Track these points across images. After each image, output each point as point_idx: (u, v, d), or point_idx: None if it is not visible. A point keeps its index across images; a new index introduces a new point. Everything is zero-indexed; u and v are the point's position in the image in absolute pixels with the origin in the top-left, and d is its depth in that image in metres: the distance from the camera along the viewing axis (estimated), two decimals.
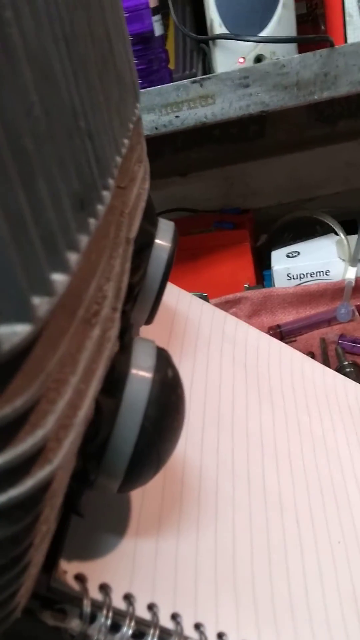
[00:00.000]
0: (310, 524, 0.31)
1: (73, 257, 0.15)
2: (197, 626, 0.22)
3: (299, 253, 0.78)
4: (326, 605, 0.27)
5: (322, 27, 0.69)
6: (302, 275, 0.76)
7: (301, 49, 0.59)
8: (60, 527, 0.22)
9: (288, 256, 0.78)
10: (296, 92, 0.58)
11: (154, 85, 0.59)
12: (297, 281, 0.76)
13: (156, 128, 0.61)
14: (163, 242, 0.31)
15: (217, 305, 0.68)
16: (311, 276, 0.76)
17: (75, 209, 0.16)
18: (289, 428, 0.36)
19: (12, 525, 0.15)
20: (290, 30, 0.58)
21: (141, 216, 0.28)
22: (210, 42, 0.60)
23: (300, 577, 0.27)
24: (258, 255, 0.86)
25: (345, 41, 0.58)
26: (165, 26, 0.71)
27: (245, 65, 0.58)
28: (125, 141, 0.24)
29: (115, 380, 0.21)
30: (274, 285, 0.78)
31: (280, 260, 0.78)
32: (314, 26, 0.71)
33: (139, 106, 0.29)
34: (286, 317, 0.75)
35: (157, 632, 0.21)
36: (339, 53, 0.55)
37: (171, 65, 0.71)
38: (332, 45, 0.55)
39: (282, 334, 0.71)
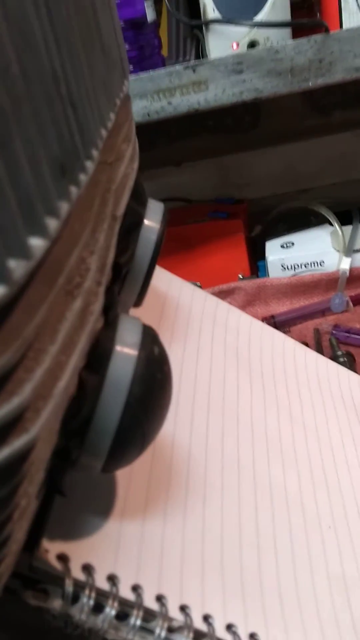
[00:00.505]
0: (301, 509, 0.30)
1: (53, 223, 0.15)
2: (183, 608, 0.22)
3: (293, 244, 0.78)
4: (315, 589, 0.27)
5: (318, 15, 0.69)
6: (296, 266, 0.76)
7: (295, 35, 0.58)
8: (43, 507, 0.22)
9: (282, 247, 0.78)
10: (290, 79, 0.57)
11: (147, 71, 0.59)
12: (292, 272, 0.76)
13: (148, 114, 0.60)
14: (152, 223, 0.30)
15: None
16: (305, 267, 0.75)
17: (55, 175, 0.15)
18: (280, 413, 0.36)
19: None
20: (285, 16, 0.57)
21: (129, 195, 0.28)
22: (203, 27, 0.59)
23: (289, 561, 0.27)
24: (252, 245, 0.86)
25: (341, 27, 0.58)
26: (158, 12, 0.70)
27: (238, 51, 0.58)
28: (112, 115, 0.24)
29: (99, 357, 0.20)
30: (268, 276, 0.77)
31: (275, 251, 0.78)
32: (310, 13, 0.70)
33: (127, 83, 0.29)
34: (280, 307, 0.74)
35: (141, 613, 0.21)
36: (334, 39, 0.55)
37: (164, 52, 0.70)
38: (327, 30, 0.55)
39: (276, 324, 0.71)
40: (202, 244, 0.82)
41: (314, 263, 0.75)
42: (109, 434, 0.20)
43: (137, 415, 0.20)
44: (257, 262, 0.84)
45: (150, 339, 0.22)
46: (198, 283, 0.70)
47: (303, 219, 0.83)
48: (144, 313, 0.36)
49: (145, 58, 0.63)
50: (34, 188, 0.14)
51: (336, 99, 0.85)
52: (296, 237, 0.79)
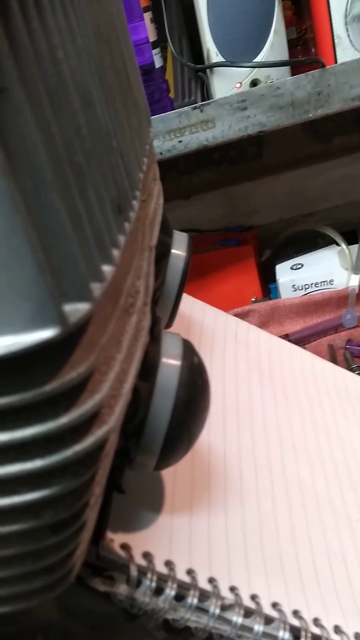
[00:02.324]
0: (330, 505, 0.33)
1: (115, 253, 0.18)
2: (232, 588, 0.25)
3: (302, 265, 0.81)
4: (349, 574, 0.29)
5: (313, 50, 0.73)
6: (306, 286, 0.79)
7: (294, 72, 0.62)
8: (105, 503, 0.25)
9: (292, 268, 0.81)
10: (292, 112, 0.61)
11: (157, 114, 0.63)
12: (302, 292, 0.79)
13: (161, 153, 0.64)
14: (179, 251, 0.34)
15: None
16: (316, 286, 0.78)
17: (114, 213, 0.19)
18: (304, 420, 0.39)
19: (75, 479, 0.18)
20: (283, 55, 0.61)
21: (159, 227, 0.31)
22: (207, 70, 0.64)
23: (323, 549, 0.30)
24: (263, 269, 0.89)
25: (336, 61, 0.62)
26: (164, 58, 0.75)
27: (242, 90, 0.62)
28: (145, 160, 0.27)
29: (149, 367, 0.23)
30: (280, 297, 0.81)
31: (285, 273, 0.81)
32: (305, 49, 0.75)
33: (152, 130, 0.32)
34: (294, 326, 0.77)
35: (197, 593, 0.24)
36: (330, 73, 0.59)
37: (171, 94, 0.75)
38: (323, 65, 0.59)
39: (291, 343, 0.74)
40: (215, 271, 0.85)
41: (323, 282, 0.78)
42: (160, 434, 0.23)
43: (183, 416, 0.23)
44: (268, 285, 0.87)
45: (190, 351, 0.25)
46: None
47: (310, 242, 0.87)
48: None
49: (155, 102, 0.67)
50: (102, 224, 0.17)
51: (335, 126, 0.90)
52: (305, 259, 0.82)
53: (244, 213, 0.98)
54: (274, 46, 0.61)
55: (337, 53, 0.63)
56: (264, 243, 0.93)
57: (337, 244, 0.82)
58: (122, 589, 0.23)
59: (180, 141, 0.63)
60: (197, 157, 0.94)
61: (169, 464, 0.25)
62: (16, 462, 0.17)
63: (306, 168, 0.94)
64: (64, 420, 0.16)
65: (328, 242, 0.84)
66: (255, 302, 0.83)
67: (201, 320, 0.43)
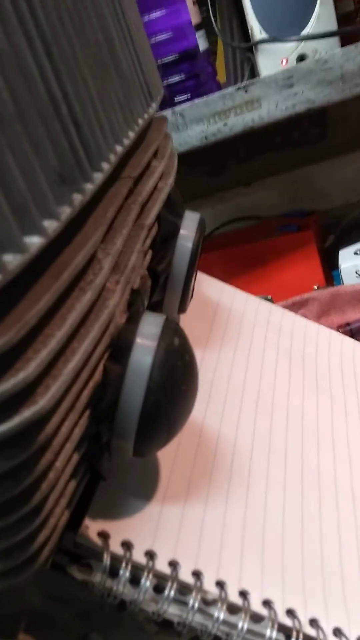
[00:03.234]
0: (352, 500, 0.31)
1: (51, 224, 0.17)
2: (219, 583, 0.23)
3: None
4: None
5: None
6: None
7: (344, 43, 0.59)
8: (88, 490, 0.24)
9: (356, 253, 0.77)
10: (341, 86, 0.58)
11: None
12: None
13: (206, 137, 0.63)
14: (188, 232, 0.32)
15: (283, 307, 0.69)
16: None
17: (56, 182, 0.18)
18: (334, 410, 0.36)
19: (7, 460, 0.17)
20: (331, 26, 0.58)
21: (160, 207, 0.30)
22: (253, 48, 0.61)
23: (335, 548, 0.27)
24: (327, 256, 0.86)
25: None
26: (214, 41, 0.73)
27: (288, 66, 0.59)
28: (130, 133, 0.26)
29: (121, 348, 0.22)
30: (342, 284, 0.77)
31: (349, 258, 0.77)
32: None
33: (154, 106, 0.31)
34: (356, 314, 0.73)
35: (176, 586, 0.22)
36: None
37: (221, 79, 0.73)
38: None
39: (352, 331, 0.70)
40: (275, 259, 0.83)
41: None
42: (133, 417, 0.22)
43: (158, 399, 0.22)
44: (332, 272, 0.83)
45: (170, 332, 0.24)
46: (269, 296, 0.70)
47: None
48: (195, 321, 0.38)
49: (202, 85, 0.66)
50: (27, 194, 0.16)
51: None
52: None
53: (308, 198, 0.94)
54: (321, 18, 0.57)
55: None
56: (328, 228, 0.89)
57: None
58: (98, 577, 0.23)
59: (225, 124, 0.62)
60: (258, 142, 0.91)
61: (148, 450, 0.24)
62: None
63: None
64: None
65: None
66: (317, 289, 0.79)
67: (230, 305, 0.41)
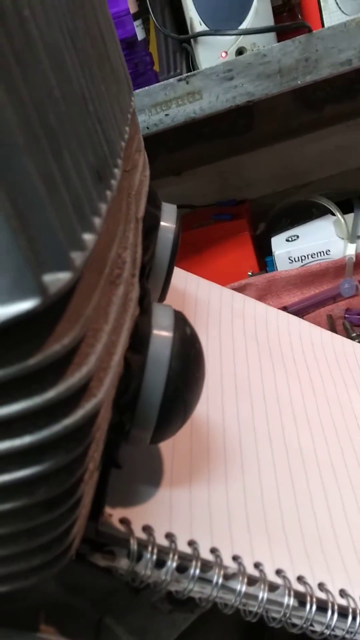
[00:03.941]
0: (332, 472, 0.33)
1: (97, 221, 0.18)
2: (235, 558, 0.25)
3: (298, 236, 0.80)
4: (353, 539, 0.29)
5: (299, 16, 0.72)
6: (303, 257, 0.78)
7: (280, 38, 0.61)
8: (102, 478, 0.25)
9: (288, 240, 0.81)
10: (279, 79, 0.60)
11: (142, 87, 0.62)
12: (299, 263, 0.78)
13: (147, 128, 0.63)
14: (168, 224, 0.33)
15: None
16: (312, 257, 0.78)
17: (94, 180, 0.18)
18: (304, 389, 0.38)
19: (67, 454, 0.17)
20: (268, 21, 0.60)
21: (145, 199, 0.31)
22: (192, 40, 0.62)
23: (326, 515, 0.29)
24: (258, 243, 0.89)
25: (323, 26, 0.60)
26: (147, 30, 0.73)
27: (227, 59, 0.61)
28: (127, 129, 0.26)
29: (140, 339, 0.23)
30: (276, 270, 0.80)
31: (281, 245, 0.80)
32: (291, 15, 0.73)
33: (133, 99, 0.32)
34: (292, 298, 0.77)
35: (199, 564, 0.24)
36: (317, 37, 0.58)
37: (156, 68, 0.74)
38: (309, 30, 0.58)
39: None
40: (210, 247, 0.85)
41: (320, 253, 0.77)
42: (155, 406, 0.23)
43: (177, 388, 0.23)
44: (264, 258, 0.86)
45: (182, 321, 0.24)
46: None
47: (305, 213, 0.86)
48: None
49: (140, 75, 0.66)
50: (81, 191, 0.17)
51: (326, 94, 0.88)
52: (300, 230, 0.81)
53: (237, 187, 0.97)
54: (259, 12, 0.59)
55: (324, 17, 0.61)
56: (258, 216, 0.92)
57: (332, 214, 0.81)
58: (122, 563, 0.23)
59: (167, 114, 0.62)
60: (187, 132, 0.92)
61: (165, 437, 0.24)
62: (4, 440, 0.16)
63: (298, 138, 0.92)
64: (50, 394, 0.16)
65: (322, 212, 0.83)
66: (252, 275, 0.82)
67: (195, 293, 0.42)
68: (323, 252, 0.77)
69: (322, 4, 0.61)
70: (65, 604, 0.26)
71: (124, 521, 0.24)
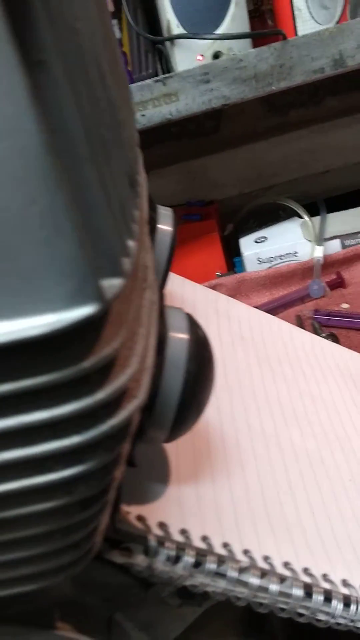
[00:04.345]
0: (322, 466, 0.34)
1: (135, 227, 0.18)
2: (245, 552, 0.26)
3: (266, 238, 0.82)
4: (348, 531, 0.30)
5: (270, 22, 0.73)
6: (271, 259, 0.80)
7: (255, 44, 0.62)
8: None
9: (256, 242, 0.82)
10: (255, 84, 0.62)
11: None
12: (268, 264, 0.80)
13: None
14: (165, 227, 0.34)
15: None
16: (280, 258, 0.80)
17: (130, 187, 0.19)
18: (290, 387, 0.40)
19: (108, 454, 0.18)
20: (244, 26, 0.61)
21: (147, 202, 0.31)
22: (167, 42, 0.63)
23: (321, 508, 0.31)
24: (226, 244, 0.90)
25: (296, 34, 0.62)
26: (120, 29, 0.74)
27: (204, 62, 0.61)
28: (136, 134, 0.27)
29: (157, 342, 0.24)
30: (245, 271, 0.82)
31: (250, 246, 0.82)
32: (261, 21, 0.75)
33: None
34: (261, 299, 0.78)
35: (215, 559, 0.24)
36: (292, 45, 0.59)
37: (128, 67, 0.74)
38: (284, 38, 0.59)
39: None
40: (179, 246, 0.85)
41: (288, 254, 0.79)
42: (172, 408, 0.23)
43: (193, 389, 0.24)
44: (232, 259, 0.88)
45: (195, 324, 0.25)
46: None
47: (272, 215, 0.88)
48: None
49: None
50: (124, 199, 0.17)
51: (292, 99, 0.90)
52: (268, 232, 0.83)
53: (204, 187, 0.98)
54: (235, 18, 0.60)
55: (297, 25, 0.63)
56: (224, 217, 0.93)
57: (299, 217, 0.83)
58: (139, 559, 0.24)
59: (143, 115, 0.63)
60: (155, 132, 0.92)
61: (179, 436, 0.25)
62: (52, 440, 0.17)
63: (264, 141, 0.94)
64: (100, 395, 0.16)
65: (289, 214, 0.85)
66: (220, 276, 0.83)
67: (181, 294, 0.43)
68: (291, 253, 0.79)
69: (295, 12, 0.62)
70: (78, 601, 0.26)
71: (141, 518, 0.24)
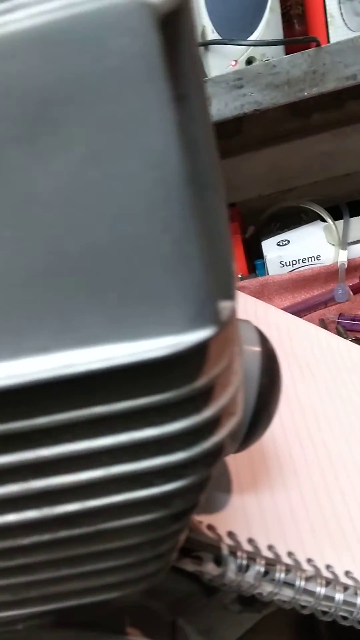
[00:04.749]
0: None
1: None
2: (309, 561, 0.26)
3: (289, 241, 0.82)
4: None
5: (297, 27, 0.74)
6: (294, 262, 0.80)
7: (287, 50, 0.63)
8: None
9: (279, 245, 0.83)
10: (287, 90, 0.62)
11: None
12: (290, 267, 0.81)
13: None
14: None
15: None
16: (303, 262, 0.80)
17: None
18: (332, 396, 0.40)
19: (207, 469, 0.18)
20: (278, 32, 0.62)
21: None
22: (202, 47, 0.63)
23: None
24: (247, 246, 0.90)
25: (328, 40, 0.62)
26: None
27: (238, 68, 0.62)
28: None
29: None
30: (267, 274, 0.82)
31: (272, 249, 0.82)
32: (289, 26, 0.75)
33: None
34: (283, 302, 0.79)
35: (283, 568, 0.25)
36: (326, 52, 0.60)
37: None
38: (318, 45, 0.59)
39: None
40: None
41: (311, 258, 0.80)
42: (246, 420, 0.24)
43: (266, 401, 0.24)
44: (253, 261, 0.88)
45: (263, 336, 0.26)
46: None
47: (293, 218, 0.88)
48: None
49: None
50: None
51: (314, 103, 0.90)
52: (290, 235, 0.84)
53: (225, 189, 0.98)
54: (270, 23, 0.61)
55: (330, 32, 0.63)
56: (245, 219, 0.93)
57: (321, 220, 0.83)
58: (210, 567, 0.24)
59: None
60: None
61: (247, 447, 0.26)
62: (158, 456, 0.17)
63: (286, 144, 0.94)
64: (207, 414, 0.17)
65: (311, 218, 0.86)
66: (241, 279, 0.84)
67: None
68: (314, 257, 0.80)
69: (328, 19, 0.63)
70: (144, 607, 0.26)
71: (211, 527, 0.25)
